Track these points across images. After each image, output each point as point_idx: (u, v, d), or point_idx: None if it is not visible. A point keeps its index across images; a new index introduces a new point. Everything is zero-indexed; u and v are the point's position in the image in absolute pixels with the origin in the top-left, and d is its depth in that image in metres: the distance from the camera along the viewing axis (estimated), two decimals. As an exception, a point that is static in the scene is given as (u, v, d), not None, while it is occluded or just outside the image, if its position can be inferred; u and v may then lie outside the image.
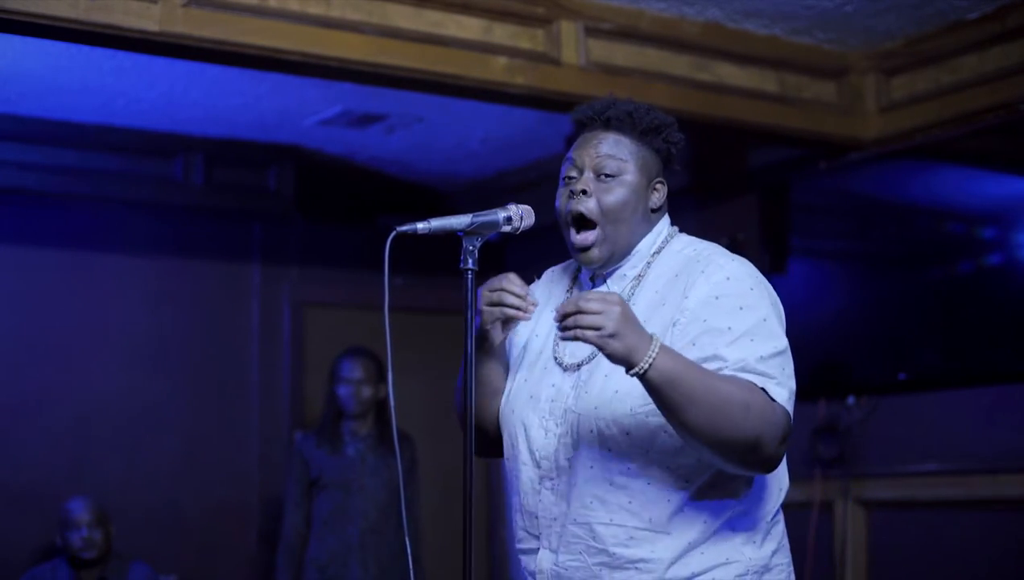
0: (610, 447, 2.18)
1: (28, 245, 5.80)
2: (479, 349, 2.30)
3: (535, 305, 2.25)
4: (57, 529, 5.06)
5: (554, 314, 2.08)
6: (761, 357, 2.11)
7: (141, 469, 5.90)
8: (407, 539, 2.29)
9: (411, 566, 2.33)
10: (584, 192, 2.28)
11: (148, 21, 3.74)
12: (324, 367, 5.63)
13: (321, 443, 5.32)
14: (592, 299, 2.03)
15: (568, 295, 2.40)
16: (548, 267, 2.54)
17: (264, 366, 6.27)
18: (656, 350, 2.02)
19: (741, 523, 2.21)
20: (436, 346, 6.30)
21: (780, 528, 2.31)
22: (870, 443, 5.05)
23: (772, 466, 2.13)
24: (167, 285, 6.10)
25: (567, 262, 2.47)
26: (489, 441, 2.41)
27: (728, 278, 2.18)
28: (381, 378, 5.39)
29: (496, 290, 2.23)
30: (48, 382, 5.77)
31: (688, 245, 2.33)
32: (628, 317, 2.03)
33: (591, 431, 2.19)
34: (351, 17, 4.08)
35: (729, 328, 2.13)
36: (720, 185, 5.68)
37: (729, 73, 4.78)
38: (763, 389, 2.09)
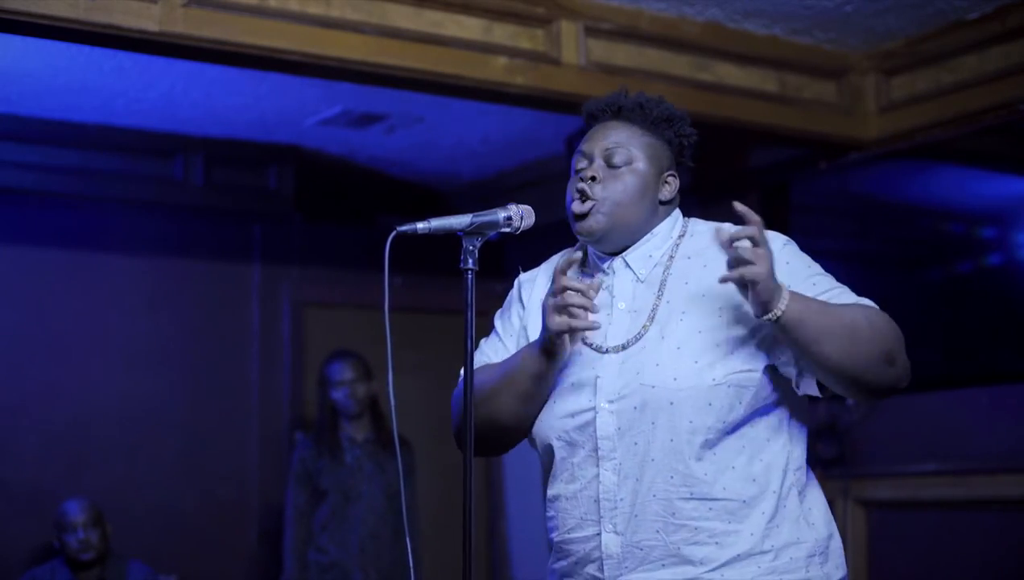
0: (691, 419, 2.16)
1: (28, 245, 5.80)
2: (547, 365, 2.23)
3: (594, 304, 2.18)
4: (54, 531, 5.05)
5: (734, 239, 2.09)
6: (848, 289, 2.25)
7: (141, 469, 5.89)
8: (408, 543, 2.28)
9: (412, 570, 2.32)
10: (593, 178, 2.28)
11: (148, 21, 3.74)
12: (324, 367, 5.62)
13: (322, 452, 5.32)
14: (762, 238, 2.09)
15: (579, 275, 2.34)
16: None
17: (264, 366, 6.27)
18: (787, 294, 2.10)
19: (798, 497, 2.24)
20: (436, 346, 6.30)
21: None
22: (870, 443, 5.05)
23: (908, 374, 2.25)
24: (167, 285, 6.10)
25: (569, 249, 2.42)
26: (510, 441, 2.37)
27: (785, 244, 2.29)
28: (371, 376, 5.41)
29: (560, 293, 2.16)
30: (47, 382, 5.76)
31: (707, 225, 2.35)
32: (774, 265, 2.11)
33: (670, 403, 2.16)
34: (351, 17, 4.08)
35: (814, 284, 2.24)
36: (720, 185, 5.68)
37: (729, 73, 4.78)
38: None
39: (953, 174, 5.03)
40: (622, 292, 2.30)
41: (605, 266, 2.33)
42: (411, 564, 2.33)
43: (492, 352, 2.41)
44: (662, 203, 2.33)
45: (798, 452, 2.27)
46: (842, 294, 2.24)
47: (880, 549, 5.01)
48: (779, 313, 2.08)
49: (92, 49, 4.21)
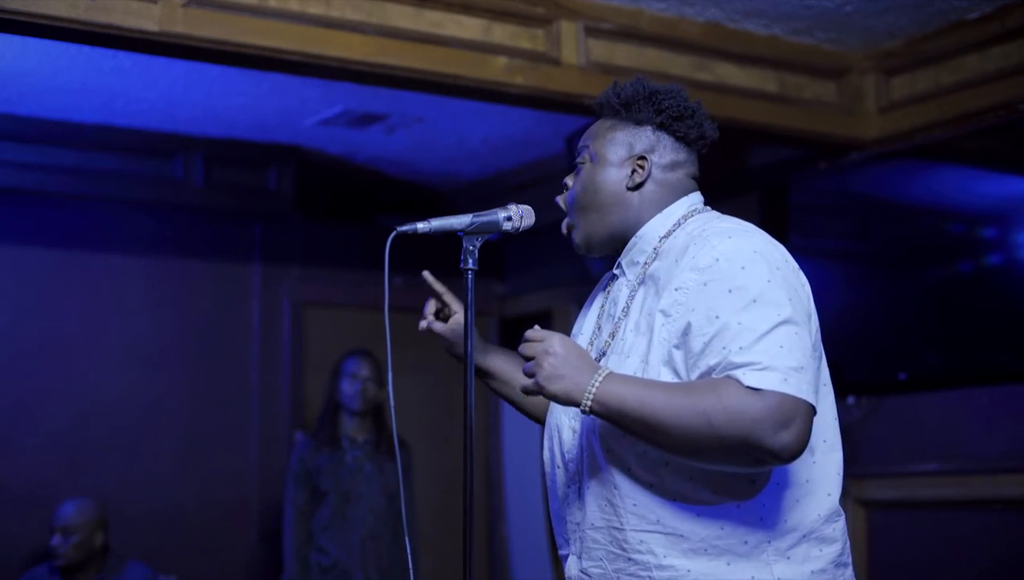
0: (611, 447, 2.09)
1: (28, 245, 5.80)
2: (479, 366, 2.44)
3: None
4: (50, 531, 5.04)
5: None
6: (742, 347, 1.93)
7: (141, 469, 5.90)
8: (407, 544, 2.29)
9: (411, 571, 2.32)
10: (566, 186, 2.29)
11: (148, 21, 3.74)
12: (324, 367, 5.62)
13: (321, 449, 5.32)
14: (528, 341, 2.05)
15: (604, 292, 2.32)
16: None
17: (264, 366, 6.27)
18: (596, 384, 1.98)
19: (770, 532, 2.06)
20: (436, 346, 6.27)
21: (828, 543, 2.15)
22: (870, 443, 5.05)
23: (781, 456, 1.93)
24: (167, 285, 6.10)
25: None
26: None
27: (718, 260, 2.00)
28: (383, 382, 5.40)
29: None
30: (47, 382, 5.77)
31: (701, 223, 2.14)
32: (564, 355, 2.01)
33: (596, 432, 2.11)
34: (351, 17, 4.08)
35: (717, 317, 1.96)
36: (720, 185, 5.68)
37: (729, 73, 4.78)
38: (745, 383, 1.91)
39: (953, 174, 5.02)
40: (617, 298, 2.24)
41: (615, 270, 2.29)
42: (411, 565, 2.34)
43: None
44: (629, 189, 2.19)
45: (769, 477, 2.07)
46: (727, 353, 1.94)
47: (880, 549, 5.01)
48: (584, 408, 2.00)
49: (92, 49, 4.21)
